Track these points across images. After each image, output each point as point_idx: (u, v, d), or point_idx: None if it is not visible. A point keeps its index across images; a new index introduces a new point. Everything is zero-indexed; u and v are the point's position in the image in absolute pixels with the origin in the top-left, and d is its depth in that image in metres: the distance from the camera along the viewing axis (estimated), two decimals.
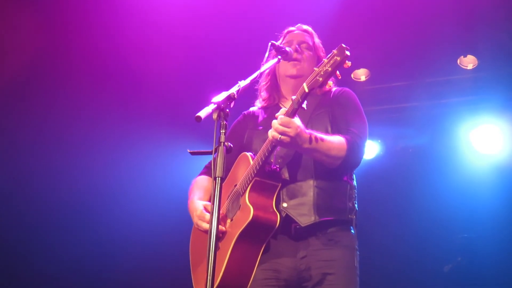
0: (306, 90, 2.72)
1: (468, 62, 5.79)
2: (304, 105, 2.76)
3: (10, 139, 5.77)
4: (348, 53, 2.61)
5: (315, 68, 2.72)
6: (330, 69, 2.64)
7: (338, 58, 2.62)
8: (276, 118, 2.81)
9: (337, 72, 2.69)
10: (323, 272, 2.95)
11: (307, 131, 2.85)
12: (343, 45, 2.63)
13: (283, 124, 2.76)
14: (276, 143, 2.82)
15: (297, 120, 2.80)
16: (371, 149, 6.27)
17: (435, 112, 6.14)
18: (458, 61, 5.81)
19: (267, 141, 2.88)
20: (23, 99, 5.72)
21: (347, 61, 2.63)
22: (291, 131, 2.76)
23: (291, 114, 2.78)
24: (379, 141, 6.36)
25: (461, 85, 5.92)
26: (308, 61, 3.29)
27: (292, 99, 2.79)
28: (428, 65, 5.81)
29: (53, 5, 5.22)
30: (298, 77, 3.25)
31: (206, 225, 3.04)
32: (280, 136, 2.77)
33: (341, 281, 2.96)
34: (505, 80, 5.76)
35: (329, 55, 2.68)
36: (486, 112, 5.95)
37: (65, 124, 5.88)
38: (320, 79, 2.67)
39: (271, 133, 2.80)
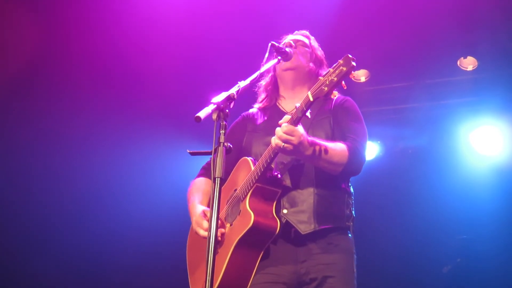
0: (311, 99, 2.72)
1: (468, 63, 5.78)
2: (308, 113, 2.76)
3: (10, 138, 5.77)
4: (354, 63, 2.58)
5: (320, 78, 2.71)
6: (335, 79, 2.63)
7: (344, 69, 2.61)
8: (278, 125, 2.81)
9: (343, 82, 2.67)
10: (323, 275, 2.96)
11: (310, 138, 2.85)
12: (349, 56, 2.61)
13: (287, 132, 2.76)
14: (279, 150, 2.83)
15: (300, 129, 2.80)
16: (371, 150, 6.26)
17: (435, 113, 6.13)
18: (458, 63, 5.80)
19: (269, 147, 2.88)
20: (22, 98, 5.71)
21: (352, 72, 2.61)
22: (294, 140, 2.76)
23: (294, 122, 2.77)
24: (379, 142, 6.35)
25: (461, 87, 5.91)
26: (302, 55, 3.31)
27: (296, 106, 2.78)
28: (428, 66, 5.81)
29: (53, 4, 5.21)
30: (291, 69, 3.25)
31: (203, 233, 3.03)
32: (283, 144, 2.77)
33: (341, 284, 2.97)
34: (505, 81, 5.76)
35: (334, 65, 2.66)
36: (486, 114, 5.95)
37: (65, 123, 5.87)
38: (326, 88, 2.66)
39: (275, 140, 2.80)
